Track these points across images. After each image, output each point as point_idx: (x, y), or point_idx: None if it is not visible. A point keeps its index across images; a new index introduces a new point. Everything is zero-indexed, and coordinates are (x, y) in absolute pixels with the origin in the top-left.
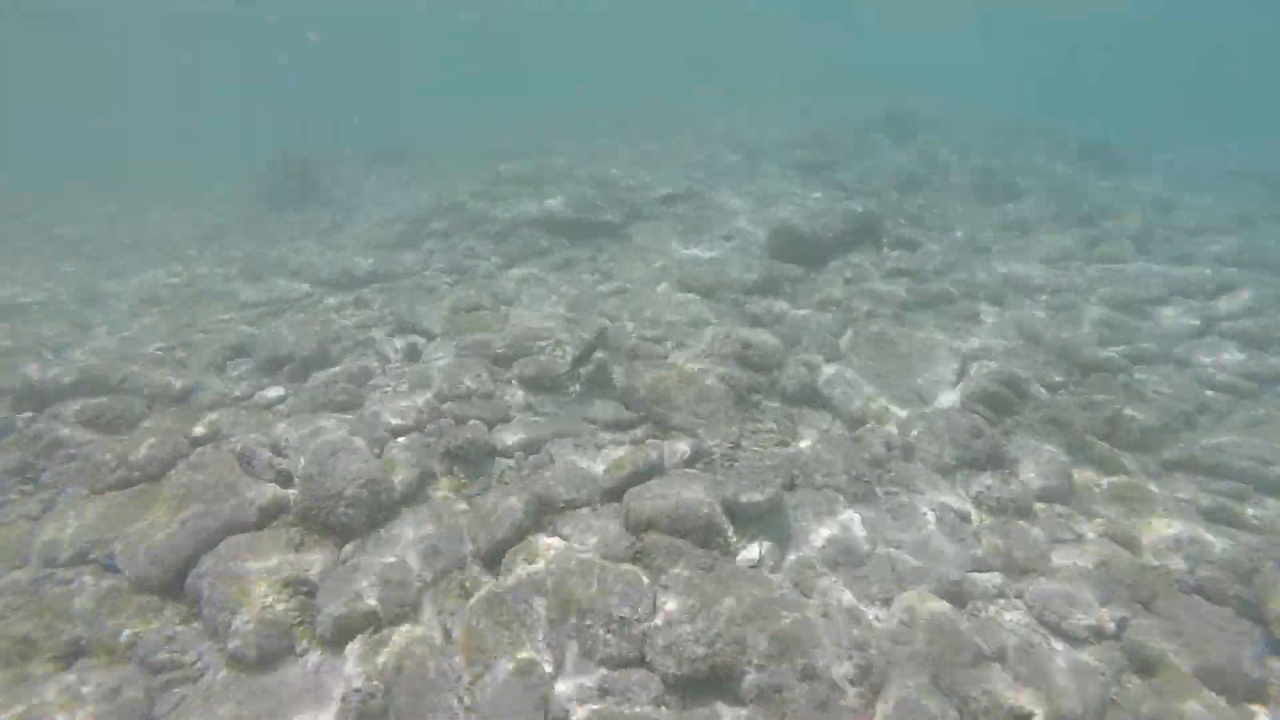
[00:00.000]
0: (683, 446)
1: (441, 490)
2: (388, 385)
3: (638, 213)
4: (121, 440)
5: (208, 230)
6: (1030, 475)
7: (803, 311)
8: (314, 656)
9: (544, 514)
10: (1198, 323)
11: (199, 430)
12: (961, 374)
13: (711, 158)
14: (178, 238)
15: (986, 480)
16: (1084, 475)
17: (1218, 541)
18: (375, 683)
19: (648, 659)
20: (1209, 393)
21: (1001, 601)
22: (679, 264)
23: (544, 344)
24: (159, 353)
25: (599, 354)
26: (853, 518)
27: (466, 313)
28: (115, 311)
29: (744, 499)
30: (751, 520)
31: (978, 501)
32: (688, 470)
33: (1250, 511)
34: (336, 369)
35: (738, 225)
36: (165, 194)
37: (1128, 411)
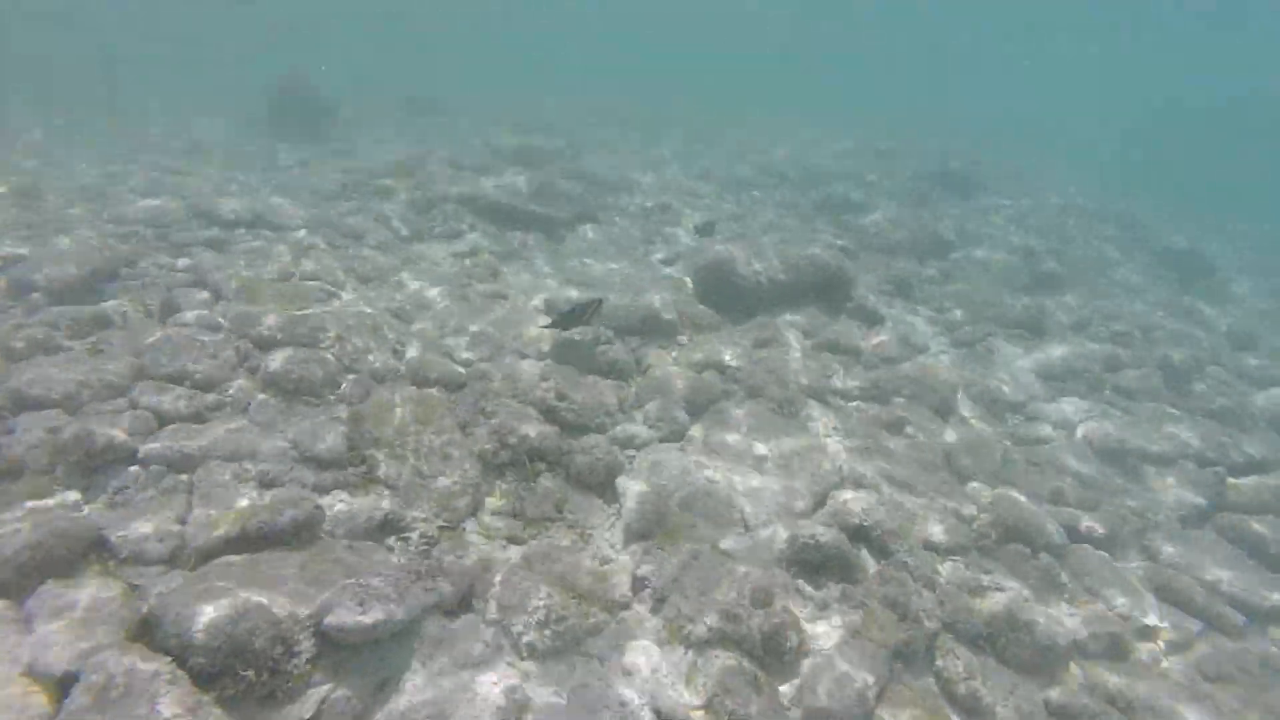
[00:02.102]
0: (367, 506)
1: None
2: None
3: (590, 215)
4: None
5: (191, 143)
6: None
7: (673, 369)
8: None
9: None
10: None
11: None
12: (819, 502)
13: (730, 174)
14: (155, 143)
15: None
16: None
17: None
18: None
19: None
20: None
21: None
22: (584, 279)
23: (327, 339)
24: None
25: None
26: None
27: (276, 281)
28: None
29: (335, 621)
30: (347, 654)
31: None
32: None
33: None
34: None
35: (684, 249)
36: (197, 104)
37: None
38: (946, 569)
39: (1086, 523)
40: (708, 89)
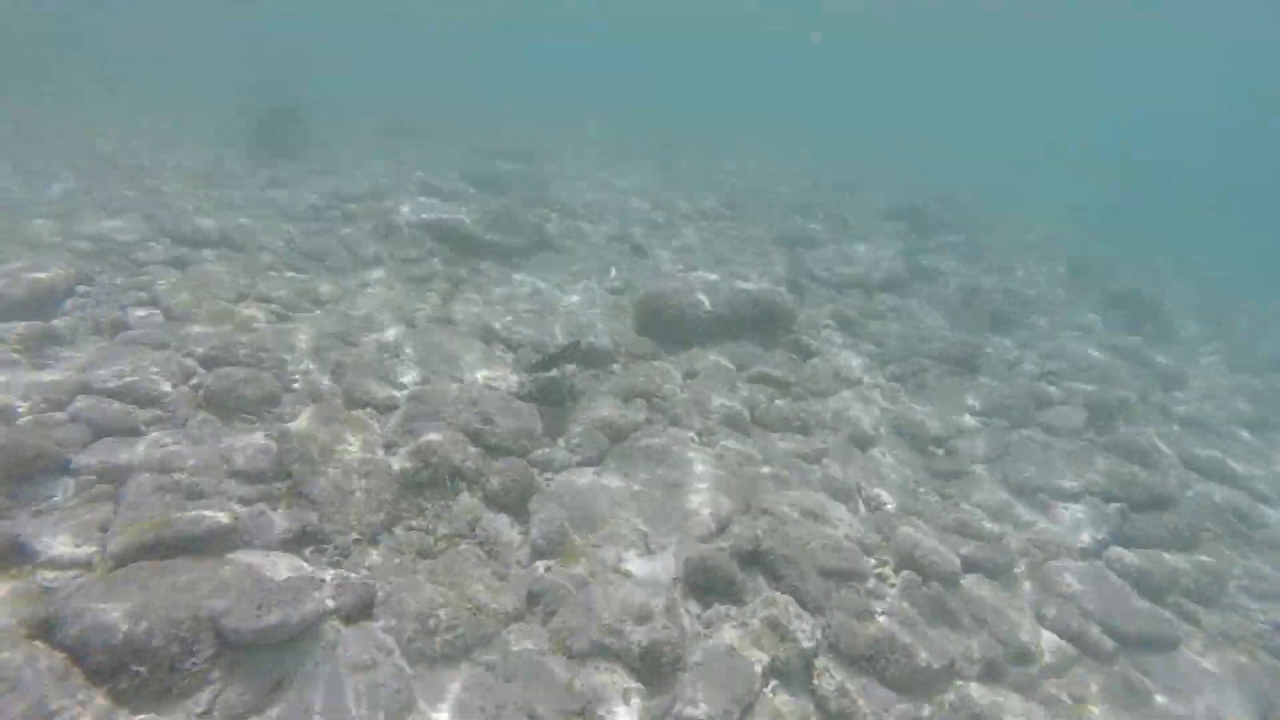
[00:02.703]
0: (286, 518)
1: None
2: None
3: (548, 243)
4: None
5: (171, 158)
6: None
7: (603, 397)
8: None
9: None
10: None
11: None
12: (723, 528)
13: (696, 205)
14: (133, 154)
15: None
16: None
17: None
18: None
19: None
20: None
21: None
22: (532, 307)
23: (269, 359)
24: None
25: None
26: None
27: (231, 301)
28: None
29: (231, 623)
30: (245, 656)
31: None
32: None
33: None
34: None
35: (633, 278)
36: (181, 115)
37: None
38: (841, 594)
39: (976, 552)
40: (690, 108)
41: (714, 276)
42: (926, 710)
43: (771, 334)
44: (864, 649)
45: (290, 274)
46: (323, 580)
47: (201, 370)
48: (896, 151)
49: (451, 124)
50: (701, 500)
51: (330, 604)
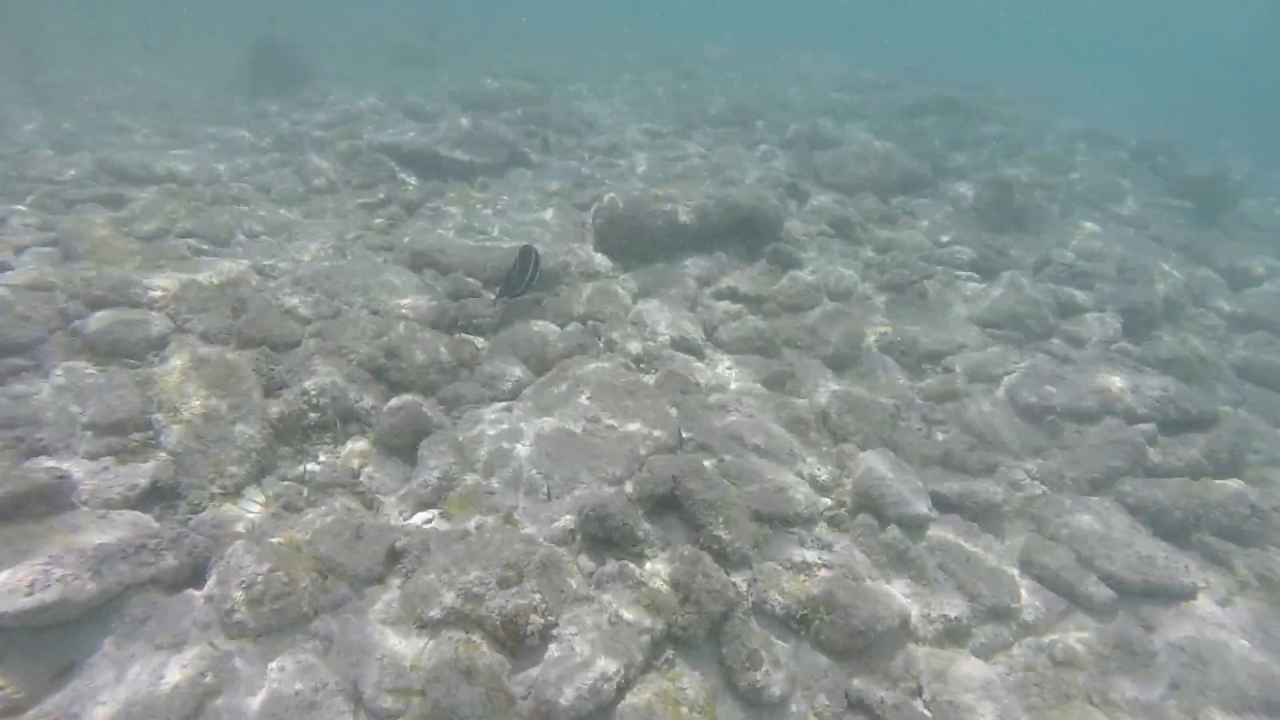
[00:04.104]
0: (132, 474)
1: None
2: None
3: (522, 159)
4: None
5: (161, 100)
6: None
7: (534, 324)
8: None
9: None
10: None
11: None
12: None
13: (704, 111)
14: (120, 99)
15: None
16: None
17: None
18: None
19: None
20: None
21: None
22: (487, 228)
23: (163, 299)
24: None
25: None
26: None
27: (143, 238)
28: None
29: None
30: (23, 638)
31: None
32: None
33: None
34: None
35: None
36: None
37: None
38: (776, 543)
39: (956, 489)
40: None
41: (693, 183)
42: (857, 681)
43: (756, 245)
44: (795, 608)
45: (229, 205)
46: (149, 545)
47: (88, 312)
48: (957, 51)
49: (466, 52)
50: (624, 437)
51: (146, 573)
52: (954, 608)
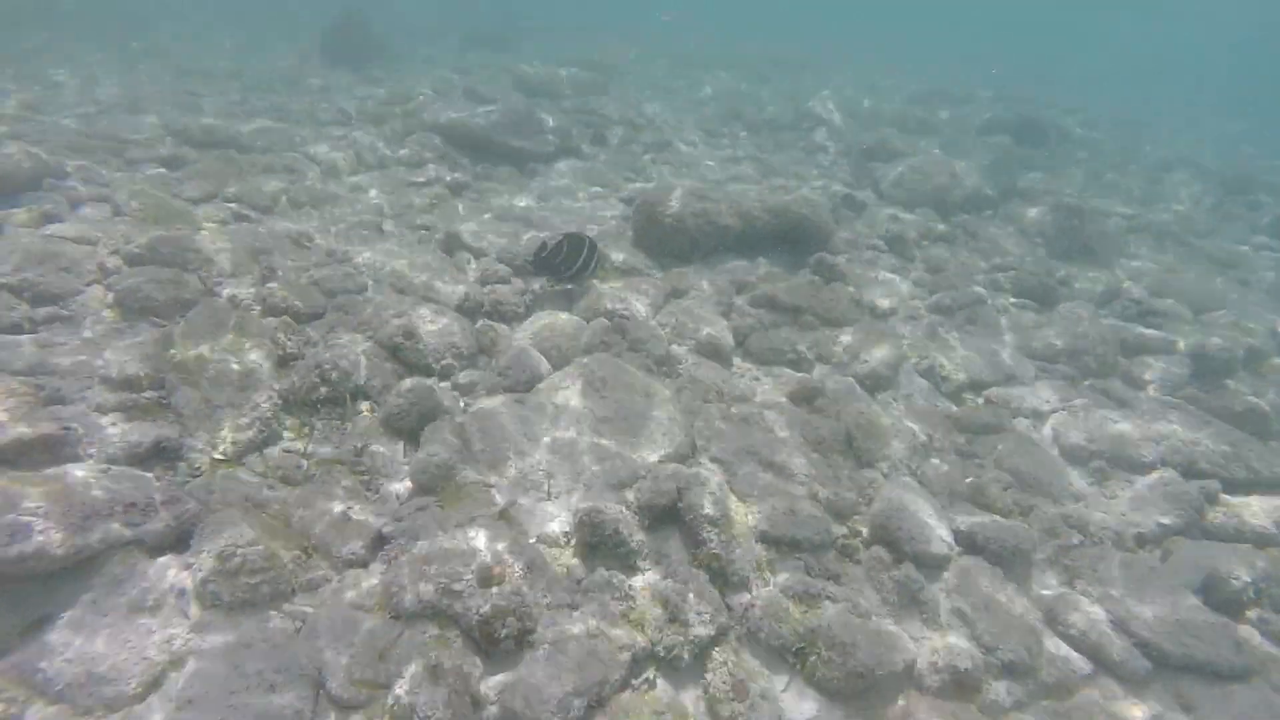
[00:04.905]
0: (138, 431)
1: None
2: None
3: (573, 149)
4: None
5: (231, 70)
6: None
7: (558, 316)
8: None
9: None
10: None
11: None
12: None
13: (761, 116)
14: (193, 69)
15: None
16: None
17: None
18: None
19: None
20: None
21: None
22: (528, 216)
23: (197, 260)
24: None
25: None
26: None
27: (195, 200)
28: None
29: None
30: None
31: None
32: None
33: None
34: None
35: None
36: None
37: None
38: (782, 568)
39: (984, 529)
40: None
41: (743, 187)
42: None
43: (803, 253)
44: (792, 640)
45: (279, 174)
46: (139, 504)
47: (126, 268)
48: (1041, 68)
49: (542, 40)
50: (635, 442)
51: (129, 533)
52: (965, 658)
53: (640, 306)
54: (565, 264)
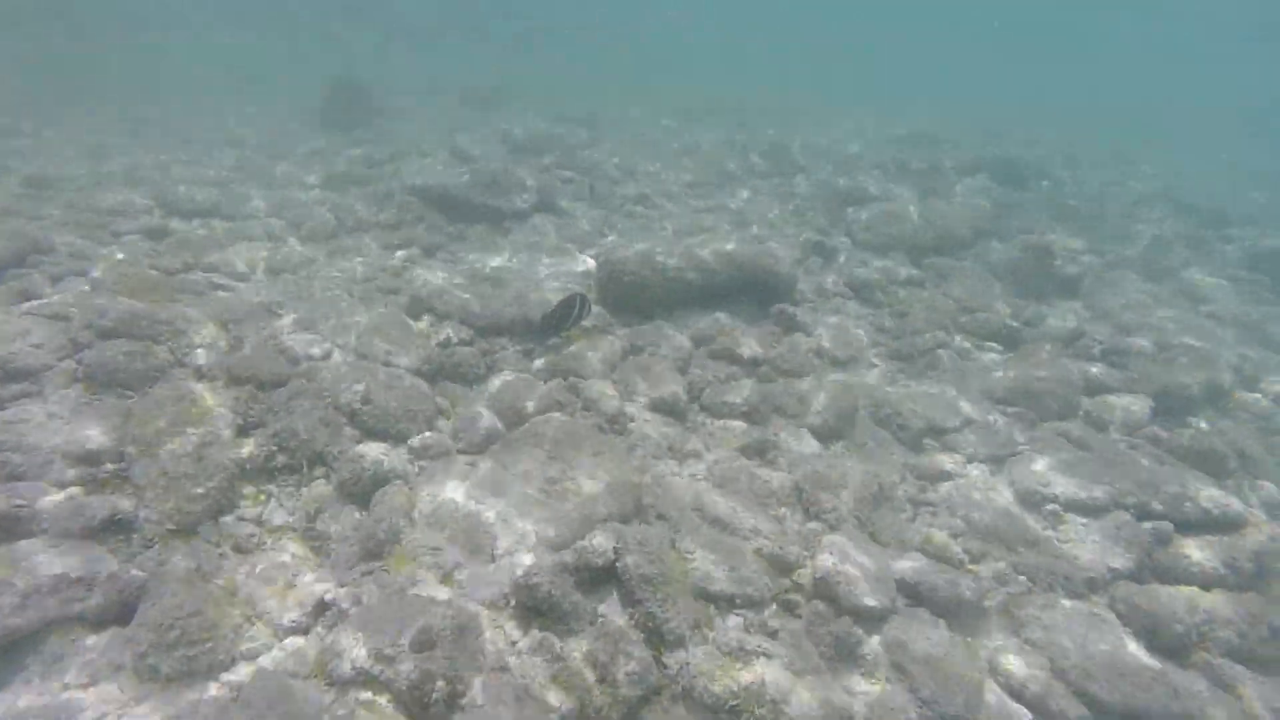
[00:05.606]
0: (92, 505)
1: None
2: None
3: (550, 206)
4: None
5: (230, 138)
6: None
7: (516, 376)
8: None
9: None
10: None
11: None
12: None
13: (745, 163)
14: (197, 133)
15: None
16: None
17: None
18: None
19: None
20: None
21: None
22: (497, 276)
23: (166, 332)
24: None
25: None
26: None
27: (172, 272)
28: None
29: None
30: None
31: None
32: None
33: None
34: None
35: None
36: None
37: None
38: (727, 624)
39: (929, 578)
40: (772, 77)
41: (702, 239)
42: None
43: (766, 304)
44: (725, 698)
45: (259, 242)
46: (82, 580)
47: (99, 342)
48: (1028, 112)
49: (537, 94)
50: (581, 501)
51: (70, 609)
52: (900, 713)
53: (596, 364)
54: (564, 322)
